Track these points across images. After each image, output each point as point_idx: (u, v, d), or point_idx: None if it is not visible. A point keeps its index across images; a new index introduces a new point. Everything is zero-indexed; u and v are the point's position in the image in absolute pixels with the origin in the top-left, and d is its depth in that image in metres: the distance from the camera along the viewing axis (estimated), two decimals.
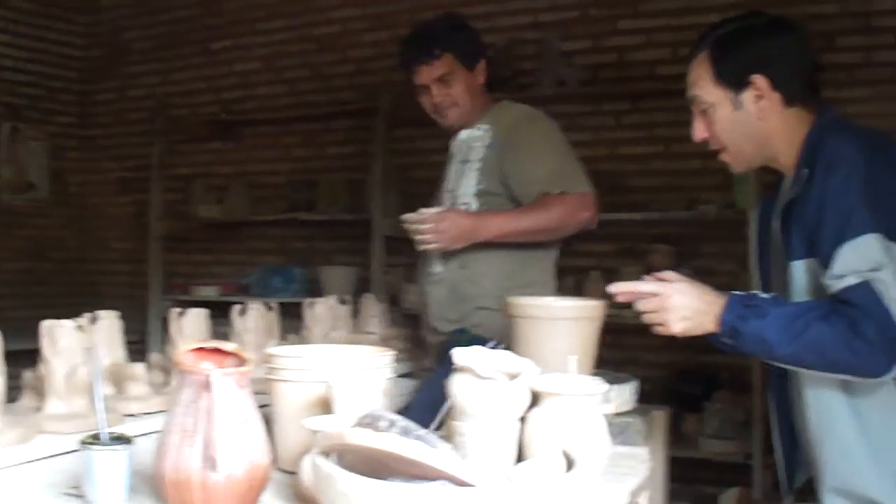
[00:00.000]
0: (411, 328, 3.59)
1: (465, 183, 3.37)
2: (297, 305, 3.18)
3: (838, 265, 2.02)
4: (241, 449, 1.54)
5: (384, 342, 3.17)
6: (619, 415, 2.39)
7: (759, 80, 2.21)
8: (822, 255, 2.07)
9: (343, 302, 3.23)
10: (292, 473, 1.83)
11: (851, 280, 1.99)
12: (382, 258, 5.87)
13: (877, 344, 1.95)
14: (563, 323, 2.30)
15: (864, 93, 4.92)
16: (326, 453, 1.42)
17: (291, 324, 3.17)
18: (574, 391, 1.83)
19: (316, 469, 1.38)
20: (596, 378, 1.95)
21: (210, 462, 1.50)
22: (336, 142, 6.71)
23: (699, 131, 2.36)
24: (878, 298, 1.95)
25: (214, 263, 7.14)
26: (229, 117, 6.94)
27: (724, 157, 2.38)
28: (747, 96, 2.24)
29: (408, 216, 3.16)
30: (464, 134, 3.46)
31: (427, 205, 3.33)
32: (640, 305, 2.21)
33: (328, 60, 6.72)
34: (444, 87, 3.40)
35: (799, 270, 2.16)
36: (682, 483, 4.69)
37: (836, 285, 2.02)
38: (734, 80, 2.24)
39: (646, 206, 5.33)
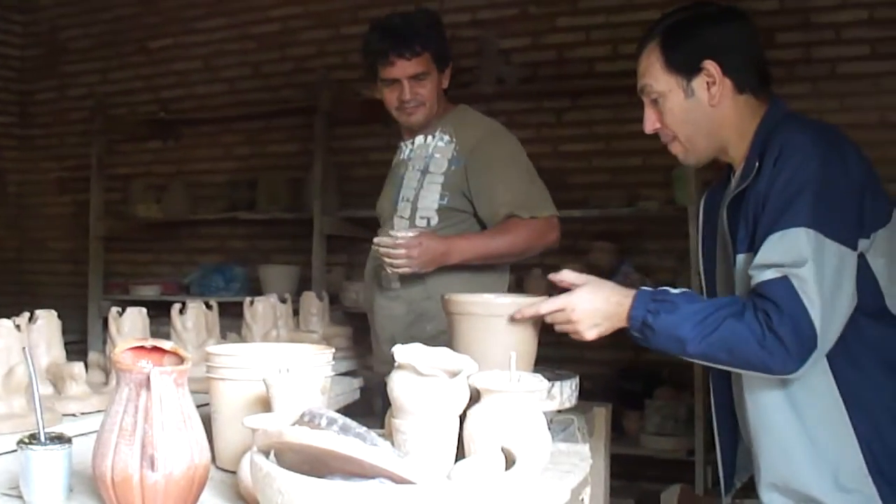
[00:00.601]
0: (353, 326, 3.57)
1: (427, 196, 3.31)
2: (238, 305, 3.16)
3: (762, 254, 2.03)
4: (180, 448, 1.52)
5: (325, 340, 3.16)
6: (560, 412, 2.40)
7: (711, 66, 2.21)
8: (756, 244, 2.08)
9: (284, 300, 3.21)
10: (232, 473, 1.82)
11: (771, 274, 2.00)
12: (323, 257, 5.85)
13: (789, 342, 1.96)
14: (503, 320, 2.29)
15: (803, 89, 4.99)
16: (265, 452, 1.42)
17: (232, 323, 3.15)
18: (514, 388, 1.83)
19: (254, 468, 1.37)
20: (536, 375, 1.95)
21: (149, 461, 1.49)
22: (276, 140, 6.68)
23: (650, 122, 2.36)
24: (796, 295, 1.96)
25: (154, 263, 7.09)
26: (168, 116, 6.89)
27: (675, 148, 2.37)
28: (698, 83, 2.24)
29: (380, 240, 3.12)
30: (420, 139, 3.42)
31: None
32: (549, 320, 2.23)
33: (268, 59, 6.69)
34: (417, 85, 3.32)
35: (743, 264, 2.16)
36: (624, 480, 4.73)
37: (757, 277, 2.03)
38: (685, 67, 2.24)
39: (587, 203, 5.36)
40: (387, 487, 1.29)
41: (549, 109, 5.78)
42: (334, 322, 3.58)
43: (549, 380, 2.08)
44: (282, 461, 1.40)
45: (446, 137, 3.35)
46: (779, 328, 1.96)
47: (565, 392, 2.31)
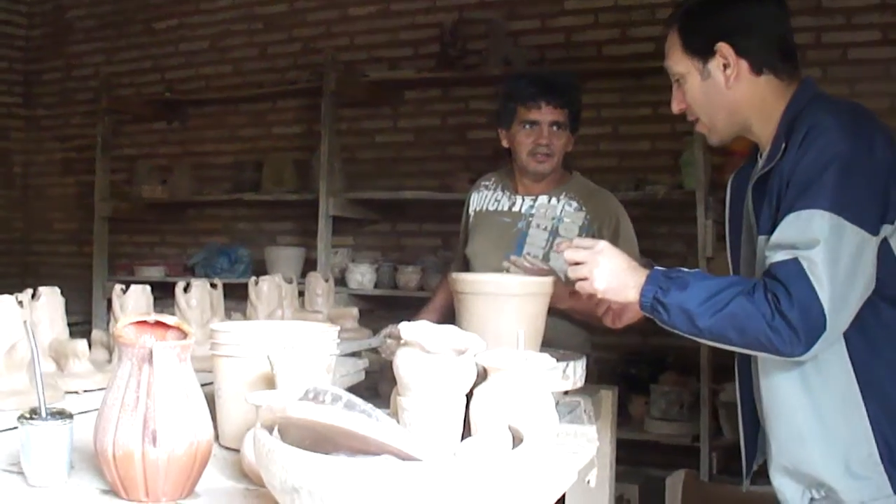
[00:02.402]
0: (358, 308, 3.56)
1: (557, 258, 3.18)
2: (243, 286, 3.14)
3: (777, 234, 2.03)
4: (182, 424, 1.51)
5: (331, 321, 3.14)
6: (567, 394, 2.39)
7: (724, 48, 2.21)
8: (775, 223, 2.07)
9: (289, 281, 3.19)
10: (235, 451, 1.80)
11: (782, 255, 1.99)
12: (328, 238, 5.82)
13: (797, 324, 1.95)
14: (512, 299, 2.28)
15: (814, 74, 4.94)
16: (269, 428, 1.40)
17: (236, 305, 3.14)
18: (523, 367, 1.81)
19: (258, 444, 1.35)
20: (544, 354, 1.93)
21: (151, 437, 1.48)
22: (282, 122, 6.66)
23: (676, 102, 2.37)
24: (805, 277, 1.95)
25: (159, 244, 7.07)
26: (174, 97, 6.86)
27: (700, 127, 2.39)
28: (714, 65, 2.24)
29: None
30: (545, 199, 3.49)
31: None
32: (570, 254, 2.23)
33: (275, 40, 6.66)
34: (554, 134, 3.44)
35: (764, 245, 2.14)
36: (628, 465, 4.71)
37: (770, 257, 2.03)
38: (700, 50, 2.26)
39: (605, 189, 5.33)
40: (392, 463, 1.27)
41: None
42: (339, 304, 3.56)
43: (556, 360, 2.07)
44: (286, 438, 1.38)
45: (574, 204, 3.46)
46: (787, 310, 1.95)
47: (578, 372, 2.30)
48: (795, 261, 1.97)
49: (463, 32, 5.83)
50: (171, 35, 7.05)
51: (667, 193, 5.16)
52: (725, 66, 2.23)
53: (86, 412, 1.97)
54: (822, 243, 1.96)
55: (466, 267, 3.51)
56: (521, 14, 5.83)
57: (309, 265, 5.78)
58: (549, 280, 2.44)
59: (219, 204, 6.67)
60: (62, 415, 1.62)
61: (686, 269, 2.15)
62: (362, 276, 5.87)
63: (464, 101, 6.04)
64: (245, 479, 1.70)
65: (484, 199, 3.64)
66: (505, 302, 2.30)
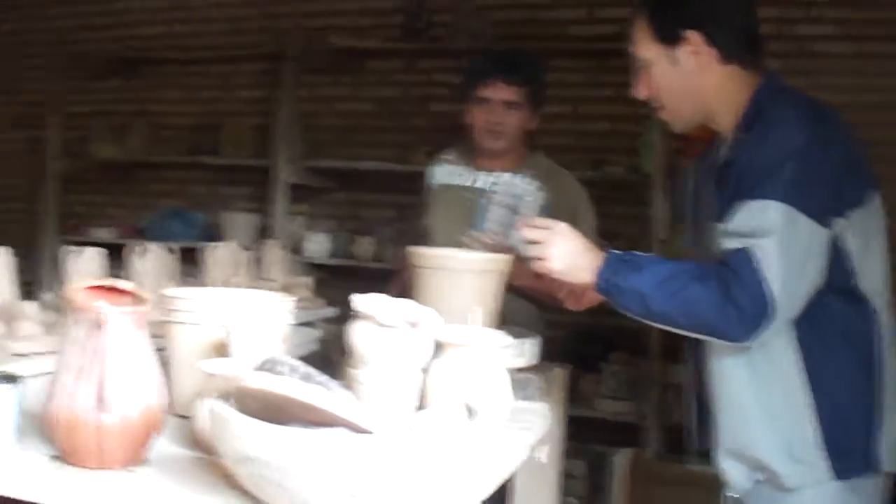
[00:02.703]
0: (313, 277, 3.56)
1: (517, 236, 3.29)
2: (196, 251, 3.12)
3: (731, 222, 2.06)
4: (135, 391, 1.50)
5: (286, 290, 3.12)
6: (520, 370, 2.40)
7: (694, 36, 2.23)
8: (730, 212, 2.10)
9: (246, 248, 3.18)
10: (187, 418, 1.79)
11: (735, 243, 2.03)
12: (286, 206, 5.80)
13: (745, 311, 2.00)
14: (469, 275, 2.29)
15: (775, 65, 4.95)
16: (224, 398, 1.39)
17: (189, 269, 3.11)
18: (478, 342, 1.82)
19: (212, 413, 1.35)
20: (499, 331, 1.94)
21: (103, 403, 1.46)
22: (243, 86, 6.58)
23: (641, 89, 2.38)
24: (757, 266, 1.99)
25: (111, 205, 6.95)
26: (133, 54, 6.74)
27: (664, 114, 2.41)
28: (683, 52, 2.26)
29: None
30: (507, 176, 3.50)
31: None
32: (528, 233, 2.25)
33: (239, 2, 6.57)
34: (507, 112, 3.44)
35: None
36: (577, 441, 4.74)
37: (724, 244, 2.07)
38: (670, 36, 2.27)
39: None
40: (346, 435, 1.27)
41: None
42: (295, 272, 3.55)
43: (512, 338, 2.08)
44: (241, 407, 1.37)
45: (536, 183, 3.47)
46: (737, 296, 1.99)
47: (532, 350, 2.32)
48: (748, 249, 2.01)
49: (429, 5, 5.80)
50: None
51: (624, 175, 5.19)
52: (694, 54, 2.25)
53: (36, 375, 1.95)
54: (775, 233, 2.00)
55: (425, 238, 3.50)
56: None
57: (265, 232, 5.75)
58: (506, 258, 2.45)
59: (174, 166, 6.57)
60: (9, 378, 1.60)
61: (641, 253, 2.19)
62: (318, 245, 5.85)
63: (427, 74, 6.02)
64: (196, 447, 1.69)
65: (445, 172, 3.65)
66: (462, 278, 2.31)
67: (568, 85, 5.54)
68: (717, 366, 2.25)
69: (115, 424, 1.48)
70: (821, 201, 2.05)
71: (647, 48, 2.31)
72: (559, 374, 2.86)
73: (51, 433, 1.54)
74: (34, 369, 2.04)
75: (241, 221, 6.05)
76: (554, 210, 3.33)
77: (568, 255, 2.20)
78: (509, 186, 3.48)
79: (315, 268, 5.59)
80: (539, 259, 2.22)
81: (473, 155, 3.60)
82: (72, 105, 6.75)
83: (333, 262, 5.81)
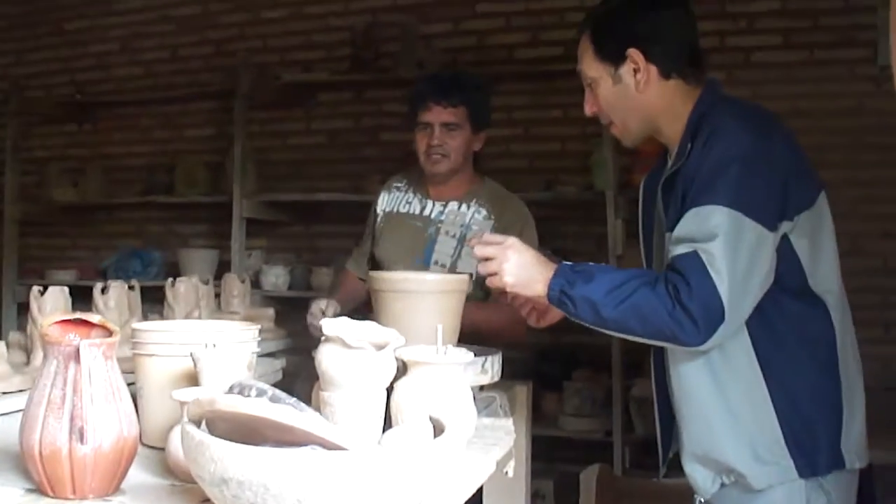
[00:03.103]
0: (273, 309, 3.57)
1: (464, 267, 3.29)
2: (156, 289, 3.13)
3: (678, 228, 2.12)
4: (109, 421, 1.53)
5: (248, 322, 3.15)
6: (483, 388, 2.44)
7: (634, 54, 2.29)
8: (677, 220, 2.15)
9: (206, 282, 3.20)
10: (159, 449, 1.82)
11: (683, 248, 2.07)
12: (242, 240, 5.82)
13: (697, 315, 2.03)
14: (429, 296, 2.33)
15: (718, 77, 5.03)
16: (197, 422, 1.42)
17: (150, 307, 3.13)
18: (442, 360, 1.86)
19: (186, 437, 1.38)
20: (461, 348, 1.98)
21: (78, 434, 1.49)
22: (194, 124, 6.62)
23: (588, 105, 2.44)
24: (704, 270, 2.03)
25: (70, 248, 6.96)
26: (85, 99, 6.76)
27: (614, 130, 2.46)
28: (625, 70, 2.32)
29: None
30: (455, 206, 3.49)
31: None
32: (479, 250, 2.28)
33: (187, 42, 6.60)
34: (447, 134, 3.43)
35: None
36: (543, 461, 4.77)
37: (672, 251, 2.11)
38: (612, 56, 2.33)
39: (505, 188, 5.38)
40: (319, 453, 1.30)
41: None
42: (255, 305, 3.57)
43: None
44: (213, 432, 1.41)
45: (483, 212, 3.47)
46: (687, 301, 2.03)
47: (494, 367, 2.35)
48: (695, 253, 2.05)
49: (375, 35, 5.86)
50: (82, 36, 6.93)
51: (577, 194, 5.26)
52: (636, 72, 2.31)
53: (5, 414, 1.97)
54: (721, 237, 2.04)
55: (375, 265, 3.51)
56: (433, 17, 5.88)
57: (223, 267, 5.76)
58: (464, 277, 2.49)
59: (131, 206, 6.60)
60: None
61: (593, 264, 2.22)
62: (276, 278, 5.88)
63: (377, 104, 6.07)
64: (170, 475, 1.72)
65: (395, 199, 3.64)
66: (422, 299, 2.34)
67: (517, 108, 5.63)
68: (677, 371, 2.29)
69: (90, 455, 1.50)
70: (765, 205, 2.10)
71: (591, 66, 2.37)
72: (521, 391, 2.89)
73: (27, 466, 1.56)
74: (4, 408, 2.06)
75: (199, 257, 6.06)
76: (498, 232, 3.24)
77: (520, 267, 2.23)
78: (457, 216, 3.48)
79: (274, 300, 5.60)
80: (492, 274, 2.26)
81: (423, 182, 3.60)
82: (27, 150, 6.75)
83: (292, 293, 5.82)
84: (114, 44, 6.84)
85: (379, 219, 3.64)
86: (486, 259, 2.27)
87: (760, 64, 5.19)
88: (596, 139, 5.07)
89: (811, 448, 2.19)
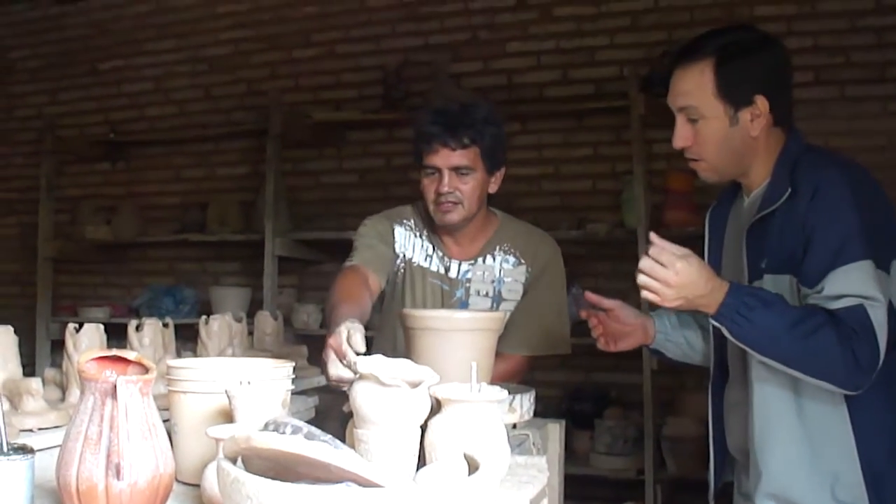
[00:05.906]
0: (306, 346, 3.57)
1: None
2: (188, 327, 3.15)
3: (831, 286, 2.12)
4: (145, 457, 1.53)
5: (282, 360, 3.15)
6: (515, 427, 2.43)
7: (761, 101, 2.27)
8: (809, 275, 2.16)
9: (239, 320, 3.21)
10: (194, 486, 1.82)
11: (848, 302, 2.09)
12: (275, 278, 5.85)
13: (864, 362, 2.07)
14: (463, 334, 2.32)
15: None
16: (232, 459, 1.43)
17: (182, 345, 3.14)
18: (476, 398, 1.86)
19: (222, 474, 1.38)
20: (495, 386, 1.98)
21: (114, 470, 1.50)
22: (227, 163, 6.68)
23: (682, 139, 2.37)
24: (870, 322, 2.07)
25: (103, 285, 7.03)
26: (118, 138, 6.85)
27: (698, 166, 2.40)
28: (745, 114, 2.29)
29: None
30: (480, 260, 3.21)
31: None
32: (648, 269, 2.20)
33: (219, 81, 6.69)
34: (458, 179, 3.05)
35: (772, 284, 2.24)
36: (575, 500, 4.75)
37: (832, 305, 2.11)
38: (737, 97, 2.28)
39: (536, 227, 5.39)
40: (356, 490, 1.30)
41: None
42: (288, 343, 3.58)
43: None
44: (248, 469, 1.41)
45: (511, 259, 3.21)
46: (857, 349, 2.07)
47: (525, 405, 2.35)
48: (862, 307, 2.08)
49: (407, 74, 5.91)
50: (116, 76, 7.05)
51: (608, 232, 5.25)
52: (755, 117, 2.28)
53: (42, 449, 1.98)
54: (878, 291, 2.10)
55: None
56: (464, 56, 5.93)
57: (254, 305, 5.78)
58: (499, 315, 2.48)
59: (163, 245, 6.66)
60: (24, 450, 1.63)
61: (759, 287, 2.23)
62: (308, 317, 5.90)
63: (407, 143, 6.06)
64: None
65: (409, 241, 3.27)
66: (455, 337, 2.34)
67: (548, 146, 5.65)
68: (760, 408, 2.30)
69: (126, 491, 1.51)
70: (886, 253, 2.18)
71: (706, 102, 2.30)
72: (554, 429, 2.87)
73: (62, 501, 1.57)
74: (41, 444, 2.07)
75: (231, 295, 6.10)
76: (534, 277, 3.21)
77: (690, 287, 2.14)
78: (486, 272, 3.19)
79: (305, 339, 5.61)
80: (653, 292, 2.20)
81: (434, 227, 3.24)
82: (61, 189, 6.83)
83: (323, 332, 5.79)
84: (147, 83, 6.93)
85: (399, 260, 3.27)
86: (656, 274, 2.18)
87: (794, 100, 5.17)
88: (626, 177, 5.07)
89: (891, 494, 2.21)
